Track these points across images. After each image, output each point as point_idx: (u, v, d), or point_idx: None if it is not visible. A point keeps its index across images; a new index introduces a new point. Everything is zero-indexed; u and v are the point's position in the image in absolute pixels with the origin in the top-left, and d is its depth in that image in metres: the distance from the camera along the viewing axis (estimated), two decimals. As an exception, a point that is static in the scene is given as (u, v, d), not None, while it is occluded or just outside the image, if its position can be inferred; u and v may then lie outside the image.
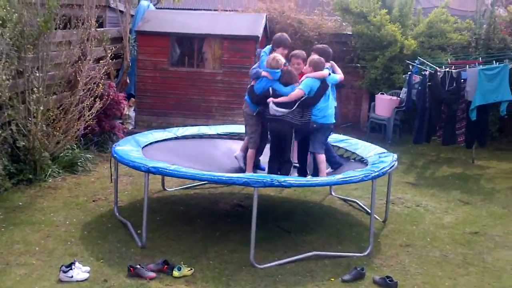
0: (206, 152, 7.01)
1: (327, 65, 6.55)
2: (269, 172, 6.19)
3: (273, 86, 6.25)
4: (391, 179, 6.83)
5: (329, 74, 6.43)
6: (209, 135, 7.71)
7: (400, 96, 11.19)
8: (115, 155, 6.04)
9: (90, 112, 8.39)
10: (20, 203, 7.00)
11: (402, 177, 9.02)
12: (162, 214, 6.78)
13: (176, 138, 7.37)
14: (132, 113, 11.24)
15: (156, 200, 7.28)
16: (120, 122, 10.60)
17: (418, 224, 6.92)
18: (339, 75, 6.68)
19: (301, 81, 6.31)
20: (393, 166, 6.18)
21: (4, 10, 6.86)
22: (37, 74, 7.65)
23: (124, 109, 9.80)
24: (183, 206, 7.12)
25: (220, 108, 10.96)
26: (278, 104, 6.16)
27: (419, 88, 10.01)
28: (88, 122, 8.38)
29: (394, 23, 11.43)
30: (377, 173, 5.79)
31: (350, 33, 12.28)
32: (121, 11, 11.79)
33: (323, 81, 6.29)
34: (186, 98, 11.01)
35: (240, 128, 7.80)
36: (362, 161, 6.85)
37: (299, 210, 7.23)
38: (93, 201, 7.21)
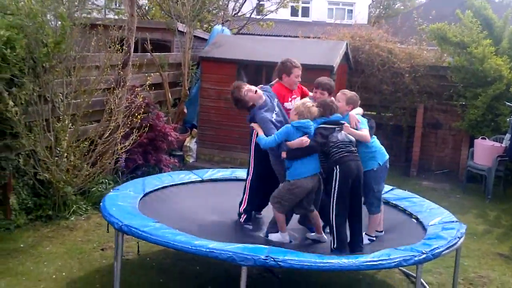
0: (227, 201, 5.76)
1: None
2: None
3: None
4: (460, 254, 5.17)
5: None
6: (243, 179, 6.43)
7: (504, 143, 9.27)
8: (101, 202, 4.99)
9: (124, 144, 7.49)
10: (22, 245, 6.17)
11: (495, 246, 7.20)
12: (164, 276, 5.60)
13: (202, 181, 6.20)
14: (193, 145, 10.28)
15: (154, 260, 6.08)
16: (177, 154, 9.69)
17: (497, 320, 5.18)
18: None
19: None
20: (452, 245, 4.55)
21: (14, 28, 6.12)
22: (59, 100, 6.85)
23: (173, 142, 8.81)
24: (192, 265, 5.87)
25: (288, 145, 9.66)
26: None
27: (524, 135, 8.13)
28: (118, 156, 7.46)
29: (501, 56, 9.58)
30: (423, 256, 4.22)
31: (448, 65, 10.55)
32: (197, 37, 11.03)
33: None
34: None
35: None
36: (423, 227, 5.28)
37: (341, 284, 5.71)
38: (102, 249, 6.21)
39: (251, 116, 5.52)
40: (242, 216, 5.77)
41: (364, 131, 5.34)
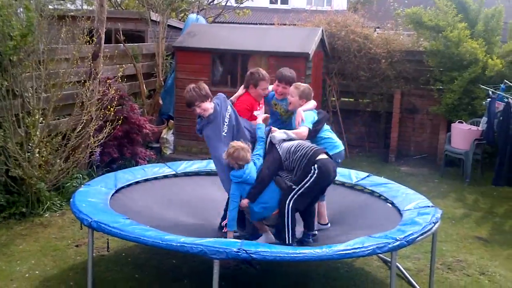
0: (201, 196, 5.67)
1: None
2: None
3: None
4: (436, 239, 5.13)
5: None
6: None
7: (480, 126, 9.27)
8: (72, 198, 4.88)
9: (98, 138, 7.36)
10: (-6, 244, 6.05)
11: (473, 229, 7.20)
12: (139, 272, 5.51)
13: (175, 175, 6.10)
14: (170, 137, 10.15)
15: (129, 256, 5.96)
16: (154, 147, 9.58)
17: (475, 305, 5.18)
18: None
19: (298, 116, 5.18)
20: (427, 231, 4.51)
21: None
22: (29, 95, 6.70)
23: (148, 134, 8.69)
24: (168, 259, 5.77)
25: (265, 133, 9.57)
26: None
27: (501, 118, 8.13)
28: (92, 150, 7.33)
29: (476, 39, 9.56)
30: (398, 243, 4.17)
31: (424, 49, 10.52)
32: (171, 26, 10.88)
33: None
34: (228, 122, 9.73)
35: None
36: (399, 213, 5.24)
37: (319, 273, 5.65)
38: (76, 246, 6.10)
39: (200, 127, 5.29)
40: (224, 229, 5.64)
41: (301, 128, 5.12)
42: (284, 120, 5.60)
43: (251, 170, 4.82)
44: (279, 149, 4.92)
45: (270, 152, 4.98)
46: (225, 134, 5.08)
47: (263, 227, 5.19)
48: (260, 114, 5.60)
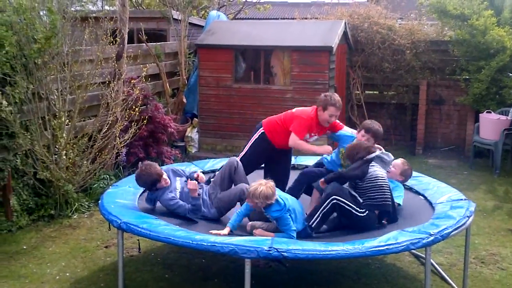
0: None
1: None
2: None
3: None
4: (470, 233, 5.00)
5: None
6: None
7: (510, 115, 9.08)
8: (100, 200, 4.87)
9: (124, 138, 7.37)
10: (25, 247, 6.09)
11: (506, 221, 7.05)
12: (169, 272, 5.50)
13: (202, 172, 6.05)
14: (195, 135, 10.14)
15: (158, 255, 5.96)
16: (179, 146, 9.59)
17: (512, 299, 5.05)
18: None
19: None
20: (462, 225, 4.41)
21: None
22: (55, 97, 6.72)
23: (173, 133, 8.67)
24: (198, 258, 5.75)
25: (290, 130, 9.49)
26: None
27: (531, 106, 7.94)
28: (118, 150, 7.35)
29: (503, 27, 9.36)
30: (432, 238, 4.08)
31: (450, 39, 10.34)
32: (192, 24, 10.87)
33: None
34: (252, 118, 9.66)
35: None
36: (431, 206, 5.14)
37: (350, 270, 5.57)
38: (105, 247, 6.11)
39: (153, 198, 5.24)
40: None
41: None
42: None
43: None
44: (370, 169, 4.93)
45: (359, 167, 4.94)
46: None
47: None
48: (311, 139, 5.63)
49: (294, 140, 5.50)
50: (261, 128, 5.82)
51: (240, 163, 5.59)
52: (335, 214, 4.88)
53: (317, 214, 4.77)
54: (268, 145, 5.74)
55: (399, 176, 5.46)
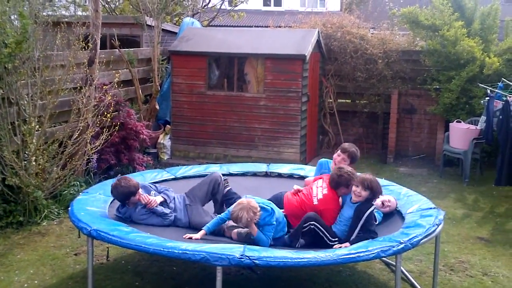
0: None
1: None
2: None
3: None
4: (439, 241, 5.07)
5: None
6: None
7: (479, 125, 9.24)
8: (70, 207, 4.81)
9: (95, 144, 7.30)
10: (-8, 255, 5.97)
11: (474, 229, 7.15)
12: (140, 280, 5.44)
13: (175, 179, 6.05)
14: (167, 142, 10.09)
15: (129, 263, 5.90)
16: (151, 152, 9.53)
17: (479, 306, 5.12)
18: None
19: None
20: (431, 233, 4.47)
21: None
22: (25, 102, 6.63)
23: (145, 140, 8.62)
24: (169, 266, 5.70)
25: (263, 137, 9.53)
26: None
27: (500, 117, 8.09)
28: (89, 157, 7.28)
29: (473, 38, 9.54)
30: (402, 246, 4.12)
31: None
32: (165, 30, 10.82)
33: None
34: (225, 125, 9.70)
35: (259, 167, 6.38)
36: (401, 216, 5.20)
37: (321, 277, 5.59)
38: (75, 254, 6.02)
39: (128, 214, 5.21)
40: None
41: None
42: None
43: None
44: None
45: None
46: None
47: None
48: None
49: None
50: None
51: (222, 177, 5.62)
52: None
53: (296, 233, 4.91)
54: None
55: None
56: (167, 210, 5.20)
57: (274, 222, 4.77)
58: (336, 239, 4.88)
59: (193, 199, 5.42)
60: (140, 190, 5.17)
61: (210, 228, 4.80)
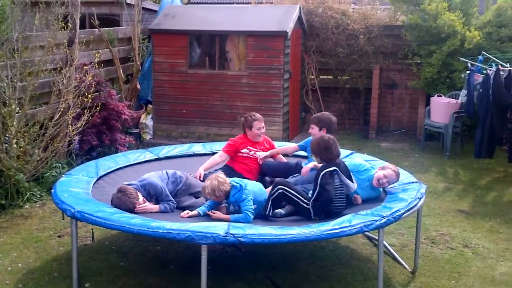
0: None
1: None
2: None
3: None
4: (421, 214, 5.13)
5: None
6: (201, 154, 6.30)
7: (460, 99, 9.31)
8: (53, 189, 4.79)
9: (76, 126, 7.24)
10: (-25, 239, 5.94)
11: (455, 202, 7.25)
12: (125, 260, 5.46)
13: (157, 159, 6.04)
14: (149, 122, 10.05)
15: (113, 244, 5.87)
16: (133, 132, 9.48)
17: (460, 277, 5.20)
18: None
19: None
20: (413, 207, 4.52)
21: None
22: (4, 84, 6.55)
23: (127, 120, 8.57)
24: (154, 246, 5.72)
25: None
26: None
27: (481, 90, 8.15)
28: (71, 138, 7.23)
29: (454, 11, 9.56)
30: (384, 220, 4.17)
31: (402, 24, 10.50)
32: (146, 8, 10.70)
33: None
34: (208, 104, 9.68)
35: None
36: (384, 190, 5.24)
37: (305, 253, 5.66)
38: (58, 236, 6.02)
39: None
40: None
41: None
42: None
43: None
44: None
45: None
46: None
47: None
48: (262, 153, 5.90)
49: None
50: None
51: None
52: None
53: (267, 201, 4.91)
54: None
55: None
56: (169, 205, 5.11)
57: (250, 197, 4.74)
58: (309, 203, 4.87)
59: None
60: (140, 197, 4.93)
61: (204, 209, 4.83)
